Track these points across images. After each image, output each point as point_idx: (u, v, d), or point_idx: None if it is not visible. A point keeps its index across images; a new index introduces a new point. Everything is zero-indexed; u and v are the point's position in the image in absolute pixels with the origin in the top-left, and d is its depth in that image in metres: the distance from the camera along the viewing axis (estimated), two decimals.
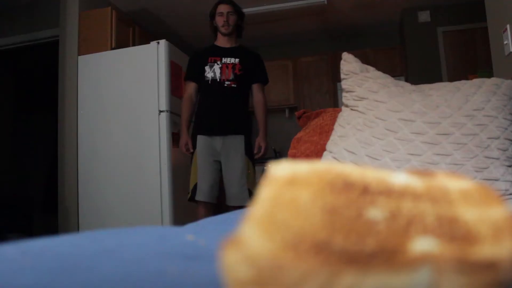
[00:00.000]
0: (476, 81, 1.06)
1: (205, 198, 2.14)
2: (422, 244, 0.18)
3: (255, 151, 2.28)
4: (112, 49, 2.96)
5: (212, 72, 2.20)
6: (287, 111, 4.75)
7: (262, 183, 0.23)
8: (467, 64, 3.64)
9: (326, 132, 1.27)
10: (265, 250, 0.16)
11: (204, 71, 2.22)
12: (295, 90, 4.59)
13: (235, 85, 2.19)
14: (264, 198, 0.21)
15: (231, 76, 2.19)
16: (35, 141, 4.21)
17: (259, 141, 2.28)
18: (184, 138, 2.26)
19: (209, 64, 2.22)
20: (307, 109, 1.45)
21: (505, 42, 1.56)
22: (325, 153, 1.10)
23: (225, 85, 2.18)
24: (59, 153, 2.95)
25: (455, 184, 0.25)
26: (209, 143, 2.18)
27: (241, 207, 2.02)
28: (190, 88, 2.30)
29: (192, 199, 2.16)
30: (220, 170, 2.20)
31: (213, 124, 2.18)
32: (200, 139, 2.20)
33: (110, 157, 2.78)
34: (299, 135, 1.35)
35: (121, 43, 3.04)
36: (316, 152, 1.23)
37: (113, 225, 2.68)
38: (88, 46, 2.97)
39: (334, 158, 1.04)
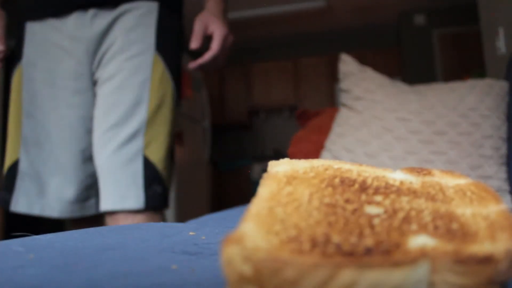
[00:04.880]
0: (470, 82, 1.07)
1: (32, 208, 0.85)
2: (419, 241, 0.18)
3: (193, 43, 0.80)
4: None
5: None
6: (287, 111, 4.78)
7: (262, 180, 0.23)
8: (461, 66, 3.66)
9: (324, 131, 1.27)
10: (264, 246, 0.17)
11: None
12: (295, 91, 4.61)
13: None
14: (263, 195, 0.21)
15: None
16: None
17: (204, 20, 0.84)
18: None
19: None
20: (306, 109, 1.46)
21: (497, 44, 1.58)
22: (323, 151, 1.11)
23: None
24: None
25: (451, 181, 0.25)
26: (57, 37, 0.82)
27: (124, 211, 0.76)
28: None
29: (5, 204, 0.83)
30: None
31: None
32: (32, 29, 0.87)
33: None
34: (298, 134, 1.36)
35: None
36: (315, 150, 1.24)
37: None
38: None
39: (333, 156, 1.05)
